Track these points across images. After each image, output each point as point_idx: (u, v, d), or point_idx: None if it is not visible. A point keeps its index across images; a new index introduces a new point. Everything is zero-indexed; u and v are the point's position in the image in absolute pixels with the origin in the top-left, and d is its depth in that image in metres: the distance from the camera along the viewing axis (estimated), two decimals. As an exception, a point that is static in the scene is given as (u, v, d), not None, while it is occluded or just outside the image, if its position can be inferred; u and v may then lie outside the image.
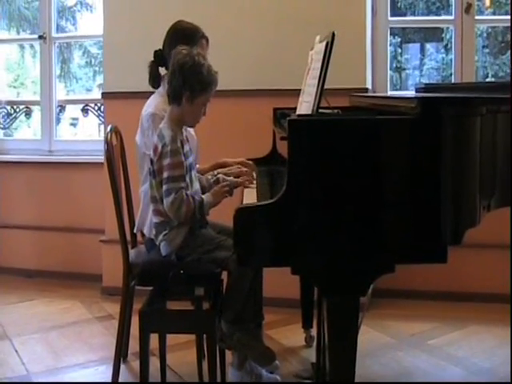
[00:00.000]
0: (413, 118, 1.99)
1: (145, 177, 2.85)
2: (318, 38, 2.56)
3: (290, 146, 1.98)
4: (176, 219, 2.52)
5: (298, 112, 2.49)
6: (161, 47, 2.99)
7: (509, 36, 5.10)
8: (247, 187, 2.70)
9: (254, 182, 2.80)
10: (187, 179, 2.51)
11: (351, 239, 1.98)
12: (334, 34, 2.19)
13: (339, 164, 1.98)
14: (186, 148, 2.56)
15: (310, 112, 2.22)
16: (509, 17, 4.00)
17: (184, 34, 2.91)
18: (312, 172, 1.98)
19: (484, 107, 2.13)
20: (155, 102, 2.87)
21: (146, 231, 2.86)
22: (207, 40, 2.98)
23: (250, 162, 2.99)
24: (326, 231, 1.97)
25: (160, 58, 2.94)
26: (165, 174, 2.47)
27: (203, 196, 2.56)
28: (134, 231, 3.00)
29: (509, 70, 5.66)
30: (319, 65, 2.25)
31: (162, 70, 2.95)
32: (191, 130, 2.75)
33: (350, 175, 1.98)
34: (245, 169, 2.89)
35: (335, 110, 2.50)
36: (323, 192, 1.97)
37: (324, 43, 2.27)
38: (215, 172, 2.83)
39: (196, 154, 2.87)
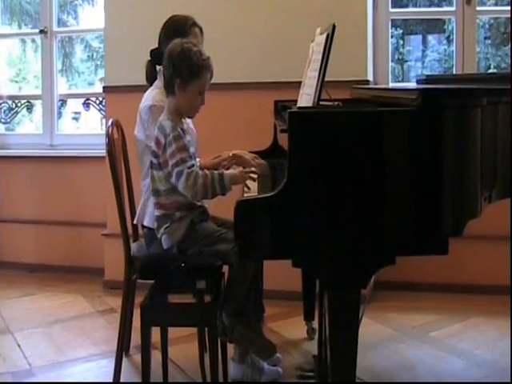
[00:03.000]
0: (413, 109, 1.98)
1: (146, 171, 2.84)
2: (318, 29, 2.56)
3: (290, 138, 1.98)
4: (195, 197, 2.45)
5: (298, 104, 2.48)
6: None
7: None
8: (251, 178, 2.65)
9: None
10: None
11: (352, 231, 1.97)
12: (334, 26, 2.18)
13: (339, 156, 1.97)
14: (188, 138, 2.55)
15: (310, 104, 2.21)
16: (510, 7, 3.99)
17: (175, 27, 2.90)
18: (312, 164, 1.97)
19: (485, 98, 2.12)
20: (152, 94, 2.87)
21: (146, 222, 2.86)
22: (201, 29, 2.95)
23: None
24: (327, 224, 1.97)
25: (156, 57, 2.92)
26: (173, 160, 2.43)
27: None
28: (134, 222, 3.00)
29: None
30: (320, 57, 2.24)
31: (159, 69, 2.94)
32: (190, 124, 2.74)
33: (350, 167, 1.97)
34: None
35: (336, 103, 2.49)
36: (323, 184, 1.96)
37: (324, 35, 2.27)
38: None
39: (195, 147, 2.85)
